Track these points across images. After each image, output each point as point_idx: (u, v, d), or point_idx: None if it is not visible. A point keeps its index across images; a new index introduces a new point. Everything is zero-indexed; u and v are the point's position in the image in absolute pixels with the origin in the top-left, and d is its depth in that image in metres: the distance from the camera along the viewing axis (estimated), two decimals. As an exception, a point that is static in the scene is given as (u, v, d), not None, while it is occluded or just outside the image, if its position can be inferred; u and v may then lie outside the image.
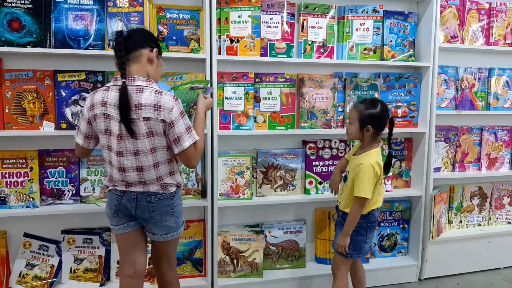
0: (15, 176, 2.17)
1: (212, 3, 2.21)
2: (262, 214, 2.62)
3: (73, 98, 2.18)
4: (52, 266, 2.30)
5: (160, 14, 2.24)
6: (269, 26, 2.39)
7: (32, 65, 2.18)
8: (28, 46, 2.05)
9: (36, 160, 2.19)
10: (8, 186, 2.17)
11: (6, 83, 2.11)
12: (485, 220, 3.00)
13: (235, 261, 2.48)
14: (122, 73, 1.59)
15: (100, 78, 2.20)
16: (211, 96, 2.01)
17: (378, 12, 2.56)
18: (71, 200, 2.26)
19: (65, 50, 2.08)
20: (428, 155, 2.67)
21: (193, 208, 2.44)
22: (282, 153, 2.52)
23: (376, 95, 2.60)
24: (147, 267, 2.16)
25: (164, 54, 1.87)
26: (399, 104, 2.68)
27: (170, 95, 1.62)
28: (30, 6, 2.05)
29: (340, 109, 2.58)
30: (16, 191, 2.17)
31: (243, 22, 2.32)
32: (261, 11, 2.34)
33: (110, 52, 2.10)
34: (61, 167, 2.24)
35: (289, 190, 2.55)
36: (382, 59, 2.60)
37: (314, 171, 2.56)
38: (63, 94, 2.17)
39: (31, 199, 2.19)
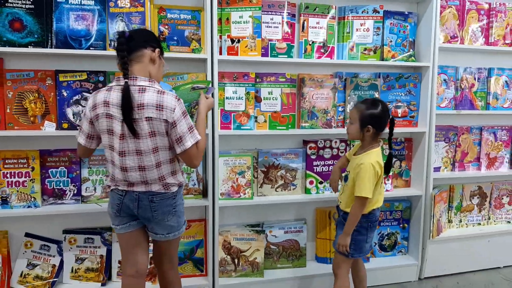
0: (16, 176, 2.18)
1: (213, 3, 2.21)
2: (263, 213, 2.63)
3: (74, 98, 2.18)
4: (54, 266, 2.30)
5: (161, 14, 2.24)
6: (269, 26, 2.40)
7: (33, 65, 2.18)
8: (29, 46, 2.06)
9: (37, 160, 2.19)
10: (10, 186, 2.17)
11: (7, 83, 2.11)
12: (485, 219, 3.01)
13: (236, 260, 2.49)
14: (125, 73, 1.60)
15: (101, 78, 2.20)
16: (212, 96, 2.01)
17: (378, 12, 2.57)
18: (72, 200, 2.26)
19: (66, 50, 2.09)
20: (428, 155, 2.68)
21: (194, 208, 2.44)
22: (283, 153, 2.53)
23: (376, 95, 2.61)
24: (149, 266, 2.16)
25: (165, 54, 1.88)
26: (399, 104, 2.69)
27: (173, 95, 1.63)
28: (32, 6, 2.05)
29: (340, 109, 2.58)
30: (17, 191, 2.18)
31: (244, 22, 2.33)
32: (262, 11, 2.35)
33: (111, 52, 2.11)
34: (63, 167, 2.25)
35: (290, 190, 2.56)
36: (382, 59, 2.61)
37: (315, 170, 2.57)
38: (65, 94, 2.17)
39: (32, 199, 2.19)
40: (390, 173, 2.68)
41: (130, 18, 2.17)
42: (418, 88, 2.71)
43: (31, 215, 2.20)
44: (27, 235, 2.30)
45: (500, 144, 2.94)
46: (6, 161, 2.16)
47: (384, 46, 2.61)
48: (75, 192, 2.27)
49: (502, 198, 3.03)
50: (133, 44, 1.62)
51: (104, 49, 2.15)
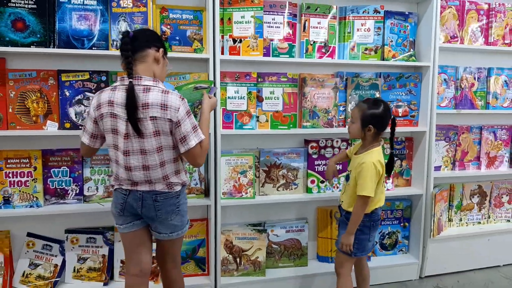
0: (18, 176, 2.18)
1: (215, 3, 2.22)
2: (264, 213, 2.64)
3: (76, 97, 2.18)
4: (56, 265, 2.30)
5: (163, 14, 2.25)
6: (271, 27, 2.40)
7: (36, 65, 2.18)
8: (32, 46, 2.06)
9: (39, 160, 2.19)
10: (12, 185, 2.17)
11: (10, 83, 2.11)
12: (485, 218, 3.03)
13: (238, 259, 2.49)
14: (129, 73, 1.60)
15: (103, 78, 2.20)
16: (215, 96, 2.02)
17: (379, 12, 2.58)
18: (74, 199, 2.27)
19: (69, 50, 2.09)
20: (429, 154, 2.69)
21: (196, 207, 2.45)
22: (285, 152, 2.54)
23: (377, 94, 2.62)
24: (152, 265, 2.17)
25: (167, 54, 1.88)
26: (400, 103, 2.71)
27: (177, 95, 1.63)
28: (34, 6, 2.05)
29: (341, 108, 2.60)
30: (19, 191, 2.18)
31: (245, 23, 2.33)
32: (264, 11, 2.36)
33: (114, 52, 2.12)
34: (65, 167, 2.25)
35: (291, 189, 2.56)
36: (383, 59, 2.63)
37: (316, 170, 2.58)
38: (67, 94, 2.17)
39: (34, 198, 2.19)
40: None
41: (132, 18, 2.17)
42: (419, 88, 2.72)
43: (33, 214, 2.20)
44: (29, 234, 2.30)
45: (499, 143, 2.96)
46: (8, 161, 2.16)
47: (385, 46, 2.62)
48: (77, 191, 2.27)
49: (502, 197, 3.05)
50: (137, 44, 1.63)
51: (107, 49, 2.15)
